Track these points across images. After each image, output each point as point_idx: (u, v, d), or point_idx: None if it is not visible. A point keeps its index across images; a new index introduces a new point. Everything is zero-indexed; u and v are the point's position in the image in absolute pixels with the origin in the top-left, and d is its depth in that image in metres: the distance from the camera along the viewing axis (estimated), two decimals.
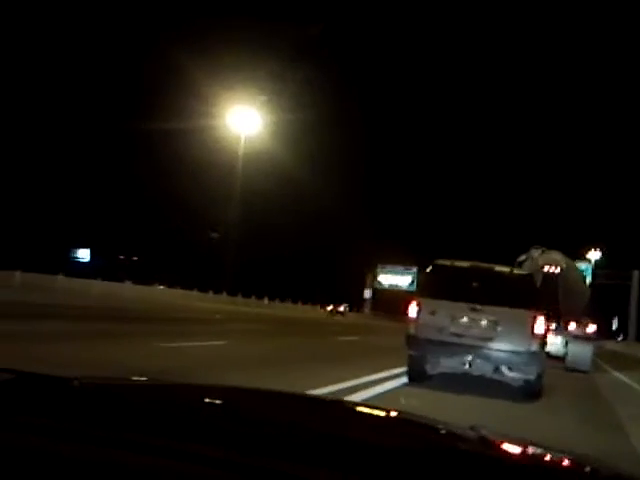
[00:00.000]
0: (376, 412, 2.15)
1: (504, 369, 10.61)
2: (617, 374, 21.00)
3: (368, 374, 11.08)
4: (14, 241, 58.45)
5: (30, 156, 67.60)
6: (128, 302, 30.96)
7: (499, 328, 10.38)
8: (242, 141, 52.15)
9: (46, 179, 68.96)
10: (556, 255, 19.70)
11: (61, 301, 23.92)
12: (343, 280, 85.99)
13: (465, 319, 10.52)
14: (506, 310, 10.42)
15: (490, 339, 10.40)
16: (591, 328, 19.54)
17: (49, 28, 68.24)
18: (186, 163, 69.16)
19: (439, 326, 10.57)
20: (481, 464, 1.43)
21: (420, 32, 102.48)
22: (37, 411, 1.30)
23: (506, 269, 11.56)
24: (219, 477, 1.08)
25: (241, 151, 52.38)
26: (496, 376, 10.82)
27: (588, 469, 1.65)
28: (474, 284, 10.95)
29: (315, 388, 8.47)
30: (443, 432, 1.82)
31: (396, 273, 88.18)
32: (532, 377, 10.62)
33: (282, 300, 65.34)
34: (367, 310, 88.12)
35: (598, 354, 24.65)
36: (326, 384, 9.15)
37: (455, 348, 10.54)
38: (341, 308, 79.17)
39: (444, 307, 10.65)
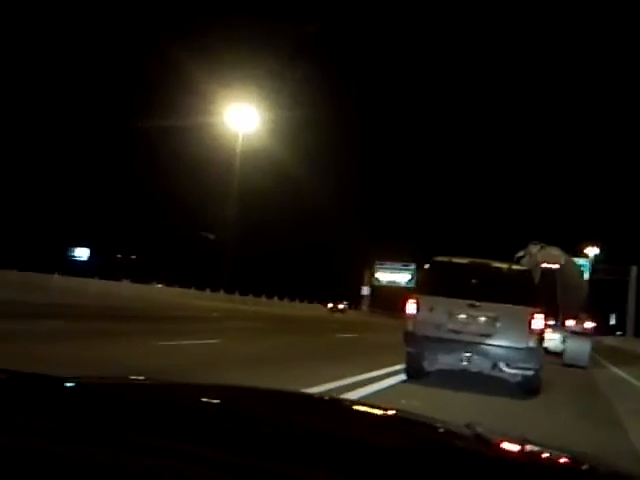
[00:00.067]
0: (372, 410, 2.14)
1: (502, 365, 10.60)
2: (615, 370, 21.00)
3: (366, 371, 11.06)
4: (11, 240, 58.37)
5: (28, 154, 67.57)
6: (125, 301, 30.92)
7: (497, 324, 10.37)
8: (240, 139, 52.10)
9: (44, 177, 68.92)
10: (554, 251, 19.66)
11: (57, 300, 23.85)
12: (341, 277, 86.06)
13: (463, 315, 10.51)
14: (504, 306, 10.41)
15: (488, 335, 10.39)
16: (589, 324, 19.55)
17: (49, 26, 68.19)
18: (184, 161, 69.19)
19: (437, 323, 10.55)
20: (477, 462, 1.42)
21: (418, 29, 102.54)
22: (34, 412, 1.28)
23: (504, 265, 11.54)
24: (217, 478, 1.07)
25: (239, 149, 52.33)
26: (494, 372, 10.81)
27: (586, 467, 1.63)
28: (472, 281, 10.94)
29: (312, 386, 8.44)
30: (439, 430, 1.82)
31: (394, 270, 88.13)
32: (530, 373, 10.60)
33: (280, 298, 65.33)
34: (365, 307, 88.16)
35: (596, 350, 24.64)
36: (324, 382, 9.12)
37: (453, 345, 10.52)
38: (341, 306, 79.30)
39: (442, 304, 10.63)
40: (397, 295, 47.72)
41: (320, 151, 77.30)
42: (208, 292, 54.10)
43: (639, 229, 74.48)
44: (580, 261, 29.52)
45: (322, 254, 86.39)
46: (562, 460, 1.66)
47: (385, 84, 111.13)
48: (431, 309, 10.68)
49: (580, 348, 18.52)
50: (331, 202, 77.16)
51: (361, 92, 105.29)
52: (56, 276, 38.84)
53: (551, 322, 16.77)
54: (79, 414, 1.31)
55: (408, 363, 11.21)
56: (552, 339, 17.47)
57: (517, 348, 10.31)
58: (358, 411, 2.18)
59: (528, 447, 1.69)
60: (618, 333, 72.62)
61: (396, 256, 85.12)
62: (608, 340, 51.62)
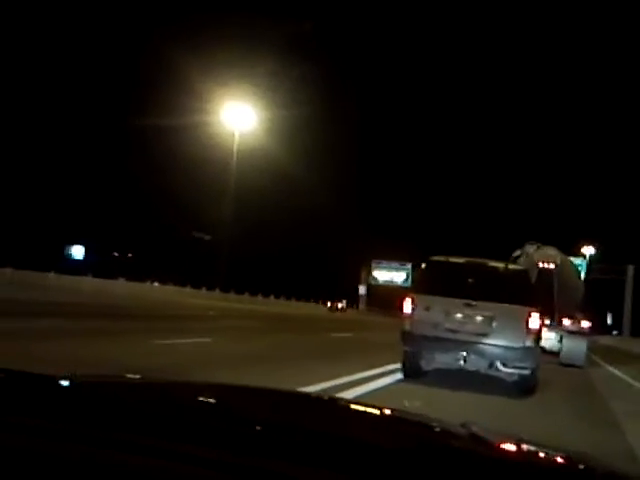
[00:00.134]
0: (367, 409, 2.13)
1: (499, 365, 10.60)
2: (612, 369, 21.02)
3: (362, 370, 11.04)
4: (7, 239, 58.26)
5: (24, 153, 67.44)
6: (120, 299, 30.89)
7: (494, 324, 10.36)
8: (236, 137, 52.06)
9: (40, 176, 68.78)
10: (551, 251, 19.68)
11: (52, 298, 23.77)
12: (337, 276, 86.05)
13: (460, 315, 10.50)
14: (501, 306, 10.41)
15: (485, 335, 10.38)
16: (586, 323, 19.56)
17: (44, 24, 68.06)
18: (180, 159, 69.15)
19: (434, 322, 10.55)
20: (472, 462, 1.41)
21: (416, 26, 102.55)
22: (28, 411, 1.27)
23: (501, 265, 11.54)
24: (212, 477, 1.06)
25: (235, 147, 52.31)
26: (491, 372, 10.81)
27: (582, 467, 1.62)
28: (469, 280, 10.94)
29: (308, 385, 8.41)
30: (434, 430, 1.81)
31: (391, 269, 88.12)
32: (527, 372, 10.60)
33: (276, 297, 65.34)
34: (362, 306, 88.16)
35: (593, 349, 24.67)
36: (319, 381, 9.09)
37: (450, 344, 10.52)
38: (341, 305, 79.51)
39: (439, 303, 10.63)
40: (394, 294, 47.77)
41: (317, 150, 77.41)
42: (204, 290, 54.10)
43: (635, 228, 74.49)
44: (576, 261, 29.48)
45: (319, 253, 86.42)
46: (558, 460, 1.65)
47: (383, 82, 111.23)
48: (428, 308, 10.68)
49: (577, 347, 18.53)
50: (328, 201, 77.25)
51: (358, 90, 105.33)
52: (51, 274, 38.78)
53: (547, 321, 16.77)
54: (74, 413, 1.30)
55: (405, 362, 11.20)
56: (549, 338, 17.48)
57: (514, 347, 10.31)
58: (354, 410, 2.17)
59: (524, 447, 1.67)
60: (614, 332, 72.77)
61: (393, 255, 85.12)
62: (605, 340, 51.70)
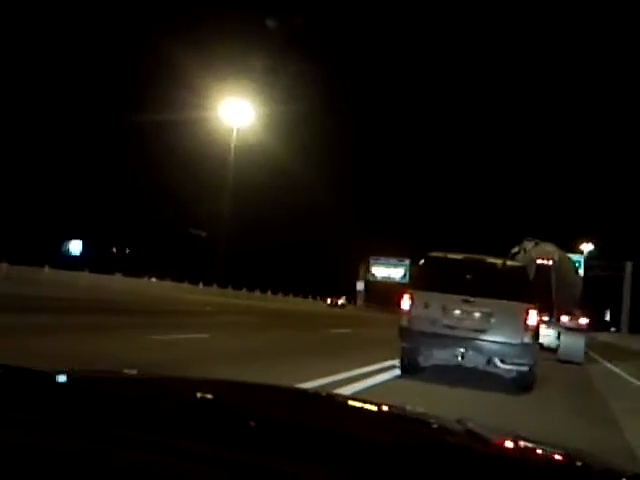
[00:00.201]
0: (364, 406, 2.14)
1: (497, 361, 10.59)
2: (610, 366, 21.03)
3: (360, 367, 11.01)
4: (4, 234, 58.19)
5: (22, 149, 67.34)
6: (116, 294, 30.77)
7: (492, 320, 10.35)
8: (234, 133, 51.98)
9: (38, 172, 68.68)
10: (549, 247, 19.70)
11: (48, 293, 23.65)
12: (336, 272, 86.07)
13: (458, 311, 10.49)
14: (499, 302, 10.40)
15: (483, 331, 10.37)
16: (584, 320, 19.56)
17: (42, 20, 67.91)
18: (178, 155, 69.04)
19: (432, 318, 10.54)
20: (468, 458, 1.42)
21: (414, 23, 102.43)
22: (26, 407, 1.27)
23: (499, 261, 11.52)
24: (210, 474, 1.06)
25: (233, 143, 52.22)
26: (489, 368, 10.81)
27: (579, 464, 1.62)
28: (467, 276, 10.92)
29: (306, 381, 8.38)
30: (430, 426, 1.82)
31: (389, 265, 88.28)
32: (525, 369, 10.61)
33: (274, 292, 65.29)
34: (360, 302, 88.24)
35: (591, 346, 24.68)
36: (317, 377, 9.05)
37: (448, 340, 10.51)
38: (341, 301, 79.63)
39: (437, 299, 10.62)
40: (392, 290, 47.82)
41: (315, 146, 77.36)
42: (201, 286, 54.04)
43: (634, 225, 74.48)
44: (575, 257, 29.52)
45: (317, 249, 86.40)
46: (555, 457, 1.65)
47: (381, 78, 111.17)
48: (426, 304, 10.66)
49: (575, 344, 18.54)
50: (326, 197, 77.21)
51: (357, 87, 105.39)
52: (46, 269, 38.54)
53: (546, 318, 16.77)
54: (71, 409, 1.29)
55: (403, 358, 11.20)
56: (547, 335, 17.48)
57: (512, 344, 10.30)
58: (351, 406, 2.17)
59: (520, 443, 1.67)
60: (612, 329, 72.85)
61: (391, 251, 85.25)
62: (603, 336, 51.77)
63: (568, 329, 18.74)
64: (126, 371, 2.22)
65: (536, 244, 19.54)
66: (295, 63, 62.77)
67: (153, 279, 54.96)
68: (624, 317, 67.17)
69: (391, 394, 8.98)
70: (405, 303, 10.84)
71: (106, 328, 14.31)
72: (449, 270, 11.02)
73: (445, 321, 10.50)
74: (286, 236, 78.96)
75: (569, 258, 23.22)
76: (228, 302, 41.33)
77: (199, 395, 1.83)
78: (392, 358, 11.74)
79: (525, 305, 10.36)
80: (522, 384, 10.72)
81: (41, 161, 68.76)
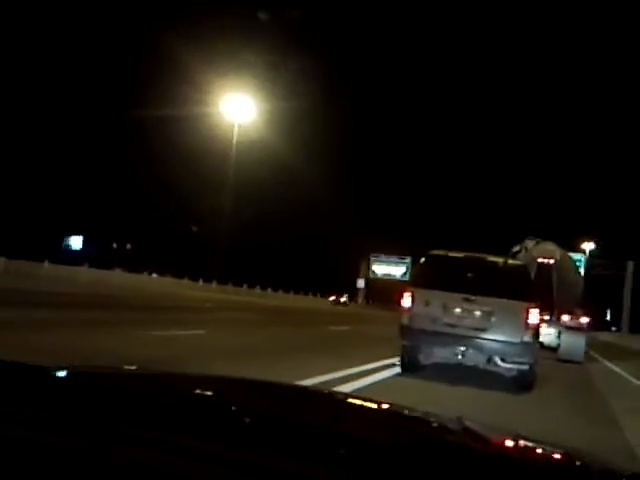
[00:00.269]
0: (362, 403, 2.13)
1: (497, 360, 10.58)
2: (611, 365, 21.01)
3: (360, 364, 11.00)
4: (5, 230, 58.21)
5: (24, 145, 67.35)
6: (116, 290, 30.73)
7: (493, 319, 10.34)
8: (236, 129, 51.91)
9: (39, 167, 68.69)
10: (550, 246, 19.67)
11: (47, 288, 23.59)
12: (337, 269, 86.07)
13: (459, 309, 10.48)
14: (500, 301, 10.38)
15: (483, 330, 10.36)
16: (584, 319, 19.53)
17: (43, 15, 67.85)
18: (179, 151, 69.04)
19: (432, 316, 10.53)
20: (465, 457, 1.41)
21: (416, 19, 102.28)
22: (25, 402, 1.26)
23: (500, 260, 11.52)
24: (209, 472, 1.05)
25: (235, 139, 52.16)
26: (489, 367, 10.80)
27: (578, 463, 1.61)
28: (468, 275, 10.91)
29: (306, 378, 8.36)
30: (429, 424, 1.83)
31: (390, 263, 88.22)
32: (525, 368, 10.60)
33: (274, 289, 65.27)
34: (361, 300, 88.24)
35: (591, 345, 24.66)
36: (317, 374, 9.04)
37: (448, 338, 10.50)
38: (343, 298, 79.74)
39: (438, 297, 10.60)
40: (392, 288, 47.77)
41: (317, 143, 77.35)
42: (201, 282, 54.01)
43: (635, 224, 74.46)
44: (576, 256, 29.48)
45: (317, 246, 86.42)
46: (554, 456, 1.64)
47: (382, 76, 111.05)
48: (426, 303, 10.65)
49: (575, 343, 18.52)
50: (327, 193, 77.21)
51: (358, 84, 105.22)
52: (46, 264, 38.45)
53: (546, 317, 16.74)
54: (70, 404, 1.28)
55: (403, 356, 11.19)
56: (547, 334, 17.47)
57: (512, 343, 10.28)
58: (350, 404, 2.16)
59: (519, 442, 1.67)
60: (613, 329, 72.81)
61: (392, 249, 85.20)
62: (604, 336, 51.74)
63: (569, 328, 18.72)
64: (126, 367, 2.21)
65: (537, 243, 19.50)
66: (297, 59, 62.86)
67: (154, 275, 54.95)
68: (625, 316, 67.14)
69: (391, 392, 8.96)
70: (406, 301, 10.82)
71: (106, 324, 14.26)
72: (450, 268, 11.00)
73: (446, 319, 10.48)
74: (287, 233, 79.05)
75: (570, 257, 23.19)
76: (228, 299, 41.32)
77: (198, 391, 1.83)
78: (392, 356, 11.72)
79: (526, 304, 10.35)
80: (522, 383, 10.70)
81: (42, 157, 68.80)
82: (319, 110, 77.06)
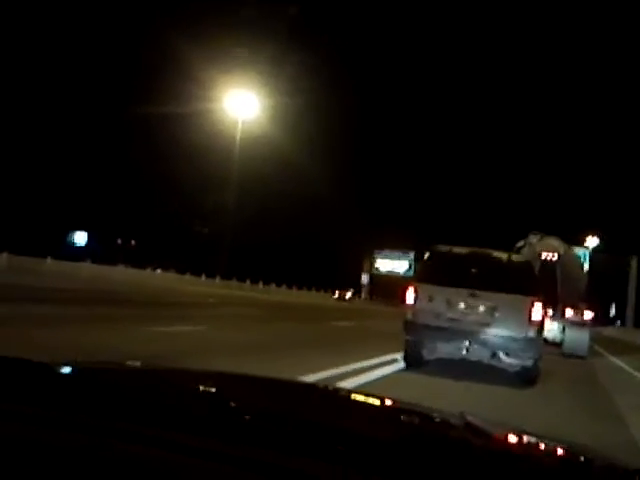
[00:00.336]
0: (363, 399, 2.14)
1: (501, 355, 10.59)
2: (615, 360, 20.97)
3: (364, 359, 10.99)
4: (9, 226, 58.29)
5: (28, 141, 67.40)
6: (118, 285, 30.68)
7: (497, 314, 10.33)
8: (239, 125, 51.87)
9: (43, 163, 68.76)
10: (554, 241, 19.64)
11: (49, 284, 23.46)
12: (340, 265, 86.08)
13: (463, 305, 10.48)
14: (504, 296, 10.38)
15: (487, 325, 10.36)
16: (588, 314, 19.50)
17: (46, 11, 67.84)
18: (183, 147, 68.96)
19: (436, 312, 10.53)
20: (467, 452, 1.41)
21: (420, 14, 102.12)
22: (26, 399, 1.26)
23: (504, 255, 11.53)
24: (209, 468, 1.05)
25: (238, 135, 52.11)
26: (493, 362, 10.79)
27: (582, 458, 1.60)
28: (472, 270, 10.91)
29: (309, 373, 8.36)
30: (431, 420, 1.82)
31: (393, 258, 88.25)
32: (529, 363, 10.59)
33: (278, 285, 65.24)
34: (365, 295, 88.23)
35: (596, 340, 24.62)
36: (320, 369, 9.01)
37: (452, 334, 10.50)
38: (349, 294, 79.82)
39: (442, 293, 10.60)
40: (396, 283, 47.77)
41: (320, 138, 77.14)
42: (203, 278, 54.00)
43: None
44: (580, 251, 29.40)
45: (321, 241, 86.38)
46: (558, 451, 1.62)
47: (386, 70, 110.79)
48: (430, 298, 10.65)
49: (579, 338, 18.50)
50: (331, 189, 77.11)
51: (361, 79, 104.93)
52: (48, 260, 38.35)
53: (550, 312, 16.71)
54: (71, 401, 1.28)
55: (407, 351, 11.19)
56: (551, 329, 17.44)
57: (516, 338, 10.28)
58: (351, 400, 2.16)
59: (521, 437, 1.67)
60: (618, 323, 72.69)
61: (395, 244, 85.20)
62: (608, 331, 51.69)
63: (573, 323, 18.70)
64: (129, 363, 2.20)
65: (541, 238, 19.47)
66: (301, 55, 62.57)
67: (158, 271, 54.94)
68: (629, 311, 66.98)
69: (395, 387, 8.95)
70: (410, 296, 10.83)
71: (109, 319, 14.25)
72: (454, 264, 11.00)
73: (450, 314, 10.48)
74: (290, 228, 78.99)
75: (574, 252, 23.14)
76: (231, 294, 41.30)
77: (199, 388, 1.82)
78: (397, 351, 11.71)
79: (530, 299, 10.34)
80: (526, 378, 10.69)
81: (47, 153, 68.86)
82: (322, 106, 76.85)
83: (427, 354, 11.27)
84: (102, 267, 43.73)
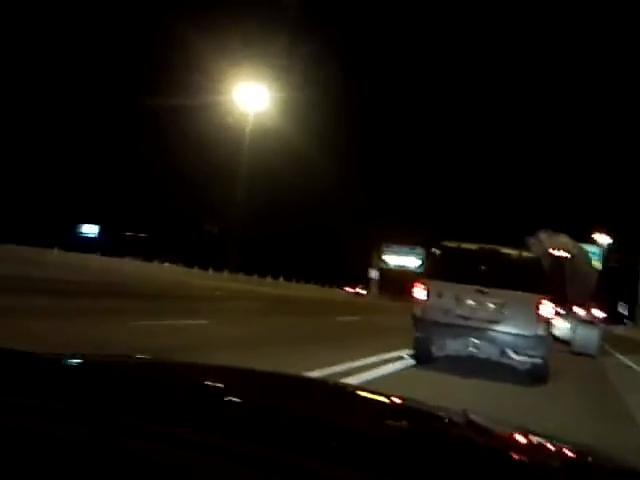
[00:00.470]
0: (363, 395, 2.12)
1: (510, 352, 10.52)
2: (625, 359, 20.85)
3: (374, 355, 10.97)
4: (19, 217, 58.54)
5: (40, 134, 67.67)
6: (127, 278, 30.64)
7: (506, 311, 10.29)
8: (249, 118, 51.79)
9: (54, 156, 69.03)
10: (564, 238, 19.59)
11: (55, 275, 23.26)
12: (349, 259, 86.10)
13: (471, 301, 10.43)
14: (513, 293, 10.34)
15: (496, 322, 10.32)
16: (599, 312, 19.45)
17: (56, 4, 67.98)
18: (193, 140, 69.07)
19: (445, 308, 10.50)
20: (469, 451, 1.38)
21: (428, 9, 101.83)
22: (28, 391, 1.25)
23: (514, 252, 11.48)
24: (211, 464, 1.04)
25: (248, 128, 52.04)
26: (502, 359, 10.73)
27: (589, 460, 1.56)
28: (481, 266, 10.88)
29: (315, 369, 8.34)
30: (431, 417, 1.80)
31: (402, 253, 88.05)
32: (539, 361, 10.55)
33: (286, 279, 65.17)
34: (374, 290, 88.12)
35: (606, 338, 24.49)
36: (326, 365, 8.95)
37: (461, 330, 10.47)
38: (360, 290, 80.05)
39: (451, 289, 10.57)
40: (405, 279, 47.63)
41: (330, 131, 77.08)
42: (211, 272, 54.03)
43: None
44: (591, 249, 29.34)
45: (330, 235, 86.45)
46: (561, 451, 1.57)
47: (397, 61, 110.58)
48: (439, 294, 10.61)
49: (589, 336, 18.44)
50: (340, 183, 77.08)
51: (371, 72, 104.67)
52: (55, 251, 38.18)
53: (560, 310, 16.65)
54: (72, 394, 1.27)
55: (416, 348, 11.19)
56: (561, 327, 17.37)
57: (525, 335, 10.24)
58: (351, 396, 2.13)
59: (525, 437, 1.62)
60: (628, 322, 72.44)
61: (404, 239, 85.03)
62: (618, 329, 51.55)
63: (583, 321, 18.65)
64: (139, 357, 2.19)
65: (551, 235, 19.42)
66: (311, 47, 62.42)
67: (166, 264, 54.98)
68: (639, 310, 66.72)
69: (403, 384, 8.92)
70: (418, 292, 10.80)
71: (118, 312, 14.21)
72: (463, 260, 10.97)
73: (458, 311, 10.45)
74: (299, 222, 79.12)
75: (584, 250, 23.07)
76: (239, 288, 41.21)
77: (203, 382, 1.79)
78: (404, 348, 11.66)
79: (539, 296, 10.29)
80: (535, 376, 10.64)
81: (58, 146, 69.10)
82: (333, 98, 76.75)
83: (436, 351, 11.24)
84: (110, 259, 43.73)
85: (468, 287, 10.49)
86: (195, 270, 53.28)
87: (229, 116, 52.64)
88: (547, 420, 6.98)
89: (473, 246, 11.29)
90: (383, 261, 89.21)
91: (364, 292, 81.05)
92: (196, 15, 63.32)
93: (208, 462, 1.04)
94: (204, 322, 14.38)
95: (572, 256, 19.17)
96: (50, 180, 69.97)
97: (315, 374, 7.99)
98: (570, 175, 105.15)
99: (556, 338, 14.44)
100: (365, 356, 10.73)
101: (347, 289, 78.85)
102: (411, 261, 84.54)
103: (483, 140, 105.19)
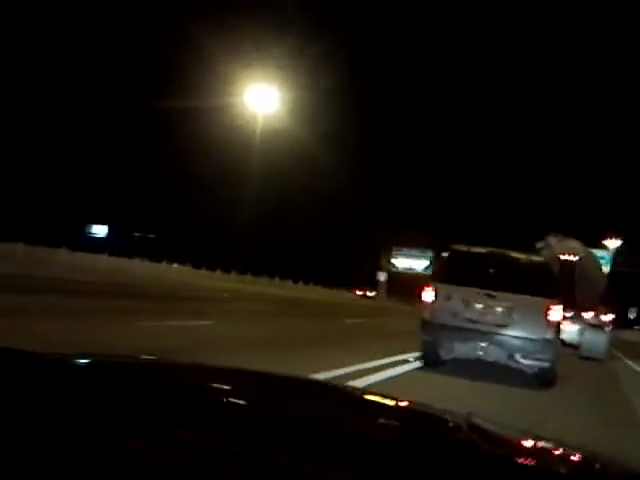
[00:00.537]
0: (367, 398, 2.11)
1: (518, 356, 10.49)
2: (633, 364, 20.75)
3: (382, 357, 10.96)
4: (29, 216, 58.75)
5: (50, 134, 67.91)
6: (135, 278, 30.68)
7: (514, 315, 10.28)
8: (260, 119, 51.83)
9: (65, 156, 69.27)
10: (574, 243, 19.57)
11: (59, 275, 23.27)
12: (358, 261, 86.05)
13: (480, 305, 10.43)
14: (521, 297, 10.33)
15: (505, 326, 10.31)
16: (607, 317, 19.40)
17: (68, 5, 68.27)
18: (203, 141, 69.17)
19: (454, 311, 10.50)
20: (472, 455, 1.37)
21: (438, 9, 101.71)
22: (28, 391, 1.24)
23: (523, 256, 11.47)
24: (210, 466, 1.03)
25: (259, 129, 52.08)
26: (510, 363, 10.69)
27: (597, 466, 1.53)
28: (490, 270, 10.86)
29: (321, 371, 8.32)
30: (435, 420, 1.80)
31: (411, 256, 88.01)
32: (546, 365, 10.51)
33: (294, 281, 65.12)
34: (382, 293, 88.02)
35: (614, 343, 24.38)
36: (332, 368, 8.95)
37: (469, 334, 10.45)
38: (370, 293, 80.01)
39: (459, 292, 10.56)
40: (414, 282, 47.58)
41: (341, 134, 77.06)
42: (219, 273, 54.07)
43: None
44: (600, 253, 29.24)
45: (339, 237, 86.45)
46: (568, 458, 1.56)
47: (406, 64, 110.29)
48: (448, 297, 10.60)
49: (597, 341, 18.37)
50: (350, 185, 77.07)
51: (381, 74, 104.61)
52: (62, 251, 38.14)
53: (568, 314, 16.61)
54: (72, 394, 1.26)
55: (424, 351, 11.17)
56: (569, 331, 17.33)
57: (533, 339, 10.23)
58: (355, 399, 2.13)
59: (529, 441, 1.62)
60: (637, 327, 72.06)
61: (413, 242, 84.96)
62: (627, 334, 51.22)
63: (591, 325, 18.59)
64: (145, 357, 2.18)
65: (561, 240, 19.40)
66: (321, 49, 62.45)
67: (174, 264, 55.07)
68: None
69: (410, 387, 8.90)
70: (427, 295, 10.80)
71: (126, 312, 14.24)
72: (472, 263, 10.97)
73: (467, 315, 10.44)
74: (309, 223, 79.08)
75: (593, 255, 23.02)
76: (247, 289, 41.21)
77: (206, 383, 1.80)
78: (410, 351, 11.66)
79: (548, 301, 10.28)
80: (543, 380, 10.62)
81: (69, 146, 69.35)
82: (342, 100, 76.77)
83: (444, 354, 11.21)
84: (119, 260, 43.77)
85: (477, 291, 10.47)
86: (203, 271, 53.34)
87: (239, 118, 52.70)
88: (553, 424, 6.98)
89: (482, 250, 11.29)
90: (392, 264, 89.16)
91: (372, 294, 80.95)
92: (208, 17, 63.35)
93: (206, 463, 1.04)
94: (215, 323, 14.41)
95: (581, 261, 19.13)
96: (60, 180, 70.25)
97: (321, 376, 7.98)
98: (581, 179, 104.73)
99: (564, 342, 14.40)
100: (373, 358, 10.73)
101: (355, 291, 78.81)
102: (420, 264, 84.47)
103: (495, 144, 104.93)
